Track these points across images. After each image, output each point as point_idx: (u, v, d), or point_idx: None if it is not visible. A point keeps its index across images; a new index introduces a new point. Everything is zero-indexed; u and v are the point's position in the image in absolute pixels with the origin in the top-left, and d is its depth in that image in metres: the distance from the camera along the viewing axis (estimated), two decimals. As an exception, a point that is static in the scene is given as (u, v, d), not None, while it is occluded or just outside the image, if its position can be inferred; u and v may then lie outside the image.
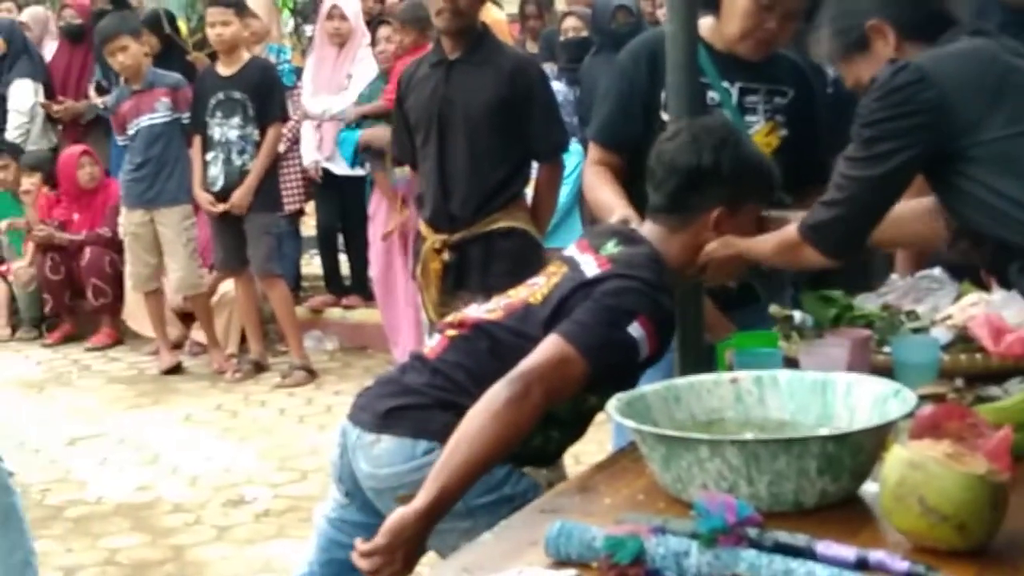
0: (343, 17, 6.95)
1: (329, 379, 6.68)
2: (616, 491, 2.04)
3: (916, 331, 2.73)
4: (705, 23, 3.01)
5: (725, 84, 3.01)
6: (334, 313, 7.47)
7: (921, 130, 2.20)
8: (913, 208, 2.46)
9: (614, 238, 2.49)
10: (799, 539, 1.66)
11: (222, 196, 6.52)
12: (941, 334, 2.64)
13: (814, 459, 1.83)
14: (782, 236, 2.48)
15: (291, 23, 9.78)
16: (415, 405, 2.40)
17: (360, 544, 2.12)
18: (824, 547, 1.65)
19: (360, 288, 7.34)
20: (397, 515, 2.10)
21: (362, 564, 2.12)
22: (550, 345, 2.23)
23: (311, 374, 6.69)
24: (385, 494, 2.40)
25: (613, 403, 2.08)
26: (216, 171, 6.53)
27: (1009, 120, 2.17)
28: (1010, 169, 2.18)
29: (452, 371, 2.40)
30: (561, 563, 1.71)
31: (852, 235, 2.36)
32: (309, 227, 7.90)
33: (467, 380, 2.35)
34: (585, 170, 3.15)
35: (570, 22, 6.90)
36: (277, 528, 4.60)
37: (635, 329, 2.27)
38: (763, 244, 2.56)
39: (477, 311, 2.50)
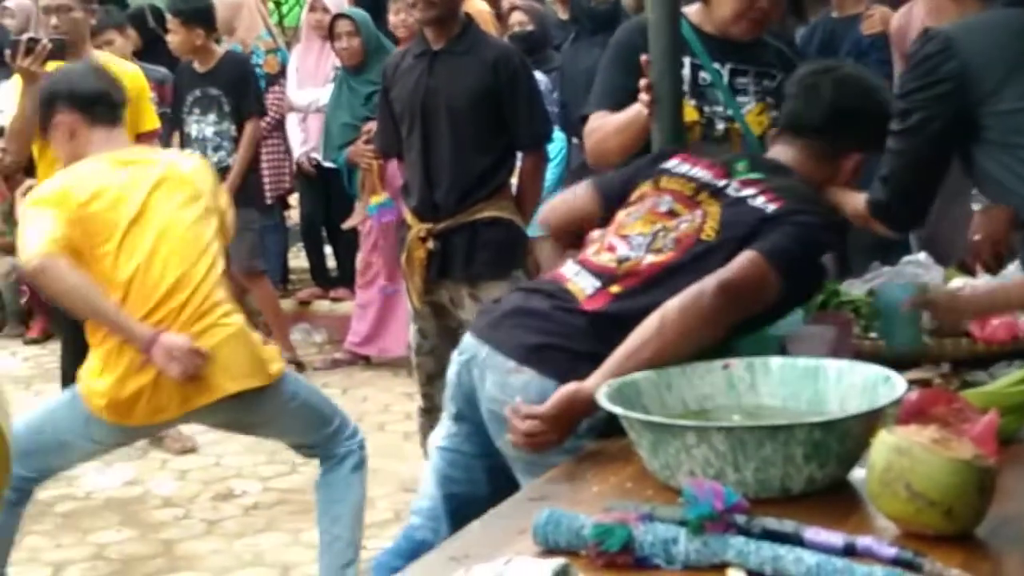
0: (326, 9, 6.92)
1: (317, 372, 6.67)
2: (604, 479, 2.04)
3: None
4: (692, 9, 3.08)
5: (716, 65, 3.06)
6: (322, 305, 7.45)
7: (945, 98, 2.24)
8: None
9: (743, 160, 2.50)
10: (787, 525, 1.67)
11: (198, 194, 6.49)
12: (927, 319, 2.64)
13: (800, 446, 1.83)
14: (858, 205, 2.52)
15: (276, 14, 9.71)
16: (567, 349, 2.32)
17: (521, 405, 2.15)
18: (812, 533, 1.65)
19: (347, 280, 7.33)
20: (570, 389, 2.13)
21: (519, 424, 2.15)
22: (754, 265, 2.23)
23: (299, 367, 6.67)
24: (504, 422, 2.28)
25: (603, 390, 2.07)
26: (193, 168, 6.50)
27: (1022, 94, 2.19)
28: (1018, 142, 2.19)
29: (611, 328, 2.27)
30: (550, 551, 1.71)
31: (912, 209, 2.46)
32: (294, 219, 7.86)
33: (622, 340, 2.24)
34: (589, 139, 3.17)
35: (517, 16, 6.84)
36: (266, 521, 4.60)
37: (827, 261, 2.35)
38: (851, 201, 2.56)
39: (644, 259, 2.36)
